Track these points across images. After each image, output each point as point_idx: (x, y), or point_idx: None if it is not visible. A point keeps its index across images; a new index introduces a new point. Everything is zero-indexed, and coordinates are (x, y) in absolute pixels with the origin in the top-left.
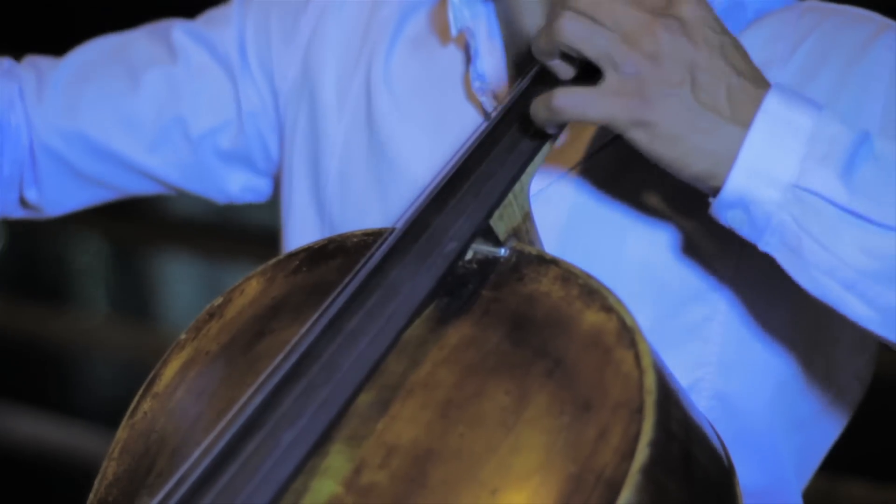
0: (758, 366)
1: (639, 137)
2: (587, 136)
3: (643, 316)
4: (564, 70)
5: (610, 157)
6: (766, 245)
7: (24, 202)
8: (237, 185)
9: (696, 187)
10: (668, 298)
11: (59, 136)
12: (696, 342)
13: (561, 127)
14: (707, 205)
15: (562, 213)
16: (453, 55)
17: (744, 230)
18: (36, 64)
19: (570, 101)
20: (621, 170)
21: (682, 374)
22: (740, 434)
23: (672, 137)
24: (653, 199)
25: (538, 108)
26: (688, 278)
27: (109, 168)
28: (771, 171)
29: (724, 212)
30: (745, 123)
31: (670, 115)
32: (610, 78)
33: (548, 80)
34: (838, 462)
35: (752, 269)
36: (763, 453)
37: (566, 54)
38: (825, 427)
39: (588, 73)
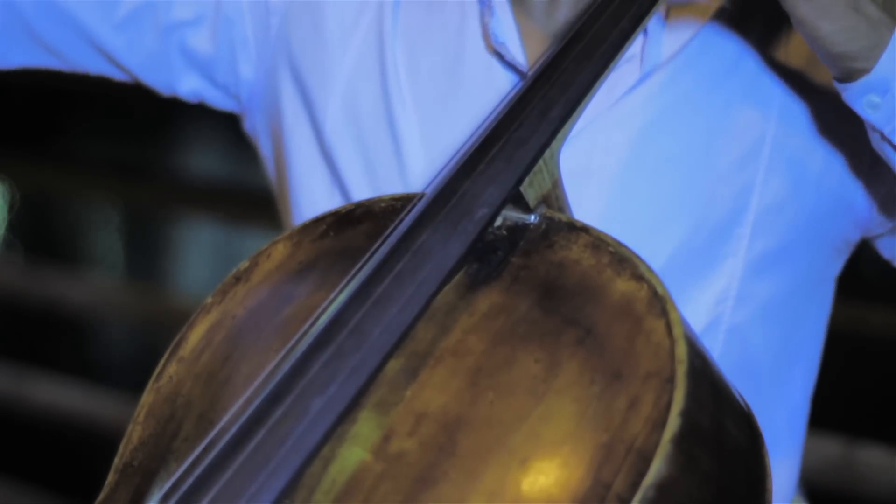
0: (767, 295)
1: (805, 10)
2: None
3: (678, 238)
4: None
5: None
6: (894, 132)
7: None
8: (187, 87)
9: (833, 66)
10: (703, 230)
11: None
12: (720, 278)
13: None
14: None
15: (631, 132)
16: (467, 9)
17: (874, 115)
18: None
19: None
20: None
21: (706, 310)
22: (752, 368)
23: (839, 13)
24: (693, 131)
25: None
26: (723, 210)
27: (70, 38)
28: None
29: (862, 95)
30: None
31: None
32: None
33: (577, 48)
34: (855, 427)
35: (770, 210)
36: (773, 387)
37: None
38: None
39: None
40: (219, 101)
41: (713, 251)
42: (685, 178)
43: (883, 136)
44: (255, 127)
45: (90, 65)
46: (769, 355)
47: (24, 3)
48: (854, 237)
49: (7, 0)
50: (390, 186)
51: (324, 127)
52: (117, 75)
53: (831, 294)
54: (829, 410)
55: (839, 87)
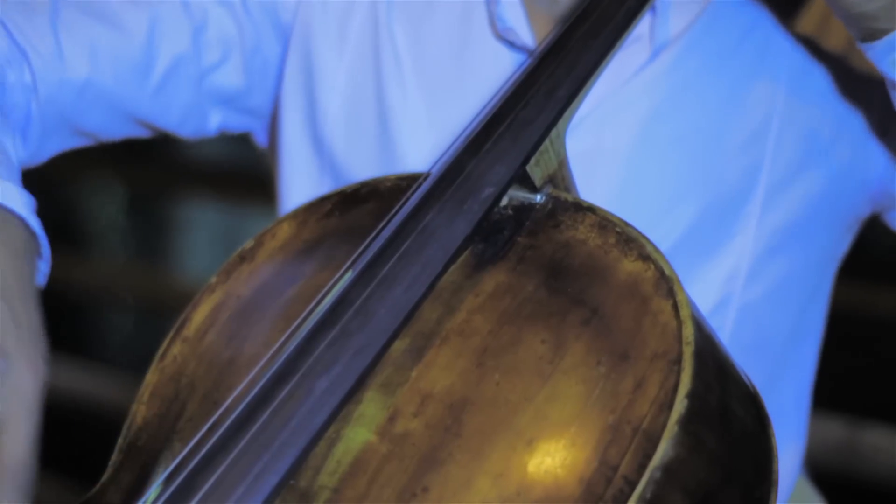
0: (779, 273)
1: None
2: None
3: (688, 217)
4: None
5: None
6: None
7: None
8: (214, 124)
9: (854, 28)
10: (713, 209)
11: (70, 89)
12: (730, 256)
13: None
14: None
15: (638, 113)
16: None
17: None
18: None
19: None
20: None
21: (716, 289)
22: (764, 346)
23: None
24: (705, 112)
25: None
26: (732, 189)
27: (108, 119)
28: None
29: (887, 55)
30: None
31: None
32: None
33: (583, 28)
34: (859, 408)
35: (779, 187)
36: (784, 366)
37: None
38: (819, 338)
39: None
40: (242, 125)
41: (722, 230)
42: (694, 159)
43: None
44: (265, 138)
45: (122, 134)
46: (781, 334)
47: (67, 99)
48: (865, 213)
49: (50, 98)
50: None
51: (324, 127)
52: (144, 135)
53: (834, 273)
54: (834, 392)
55: (863, 47)
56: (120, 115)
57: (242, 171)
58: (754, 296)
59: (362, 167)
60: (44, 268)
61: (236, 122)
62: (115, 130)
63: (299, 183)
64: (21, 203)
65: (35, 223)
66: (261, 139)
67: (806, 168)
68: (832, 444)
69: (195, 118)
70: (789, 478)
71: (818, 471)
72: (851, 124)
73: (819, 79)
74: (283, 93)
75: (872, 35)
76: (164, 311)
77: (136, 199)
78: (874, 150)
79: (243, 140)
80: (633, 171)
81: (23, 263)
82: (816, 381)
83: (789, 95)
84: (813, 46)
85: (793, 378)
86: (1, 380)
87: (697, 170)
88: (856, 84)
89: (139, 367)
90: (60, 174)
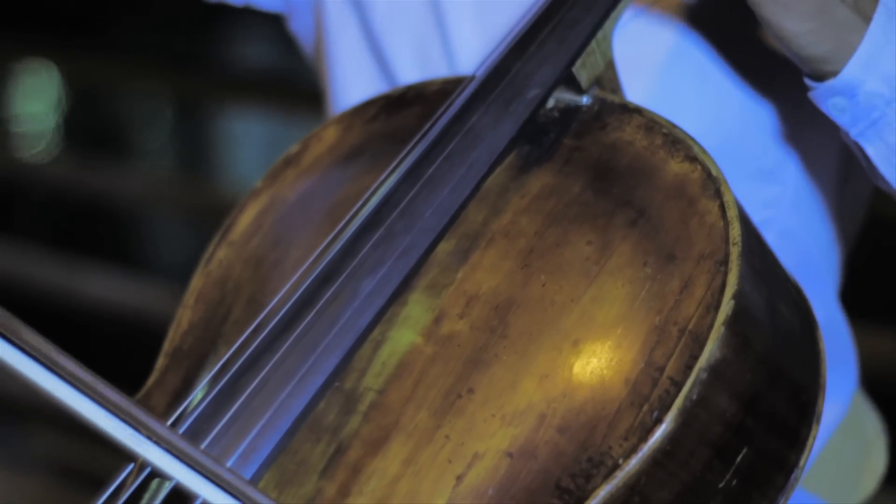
0: (822, 206)
1: (770, 10)
2: None
3: (728, 132)
4: None
5: None
6: (860, 135)
7: None
8: None
9: (802, 66)
10: (754, 127)
11: None
12: (773, 185)
13: None
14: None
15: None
16: None
17: (841, 118)
18: None
19: None
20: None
21: (754, 211)
22: (802, 267)
23: (804, 14)
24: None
25: None
26: (777, 109)
27: None
28: (884, 67)
29: (827, 98)
30: (867, 17)
31: None
32: None
33: None
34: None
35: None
36: (821, 287)
37: None
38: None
39: None
40: (266, 2)
41: (766, 149)
42: (737, 72)
43: (849, 137)
44: (300, 27)
45: None
46: (826, 261)
47: None
48: None
49: None
50: (441, 74)
51: (373, 23)
52: None
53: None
54: (888, 306)
55: (808, 83)
56: None
57: (290, 81)
58: (797, 222)
59: (412, 71)
60: None
61: None
62: None
63: (353, 82)
64: None
65: None
66: (295, 26)
67: None
68: (886, 358)
69: None
70: (844, 393)
71: (872, 385)
72: None
73: None
74: None
75: (820, 76)
76: (211, 221)
77: (185, 110)
78: None
79: (293, 50)
80: (672, 79)
81: None
82: (870, 296)
83: None
84: None
85: (823, 300)
86: None
87: (740, 83)
88: None
89: (186, 278)
90: (109, 84)
